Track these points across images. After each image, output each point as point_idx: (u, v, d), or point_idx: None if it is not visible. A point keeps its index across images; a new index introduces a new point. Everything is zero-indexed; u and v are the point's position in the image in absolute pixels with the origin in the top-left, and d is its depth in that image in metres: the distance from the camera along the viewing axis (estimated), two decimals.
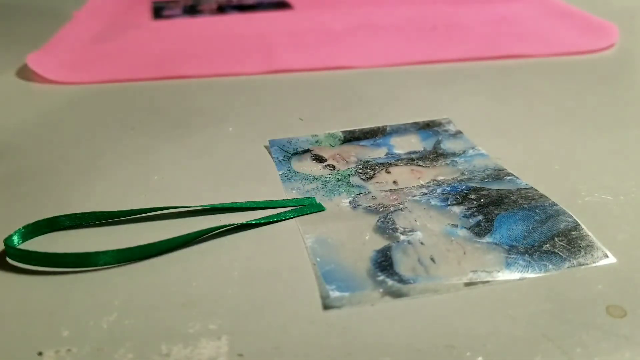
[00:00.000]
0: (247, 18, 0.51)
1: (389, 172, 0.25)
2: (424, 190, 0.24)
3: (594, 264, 0.19)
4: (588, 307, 0.17)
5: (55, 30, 0.46)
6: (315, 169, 0.26)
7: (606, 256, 0.19)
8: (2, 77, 0.38)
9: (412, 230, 0.21)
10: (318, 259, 0.20)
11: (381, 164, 0.26)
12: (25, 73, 0.38)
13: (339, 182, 0.24)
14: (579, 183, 0.24)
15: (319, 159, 0.26)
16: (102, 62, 0.40)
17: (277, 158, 0.26)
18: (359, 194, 0.23)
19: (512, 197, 0.23)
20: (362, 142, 0.28)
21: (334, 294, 0.18)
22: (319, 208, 0.23)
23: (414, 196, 0.23)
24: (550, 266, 0.19)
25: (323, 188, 0.24)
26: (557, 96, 0.33)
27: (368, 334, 0.17)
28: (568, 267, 0.19)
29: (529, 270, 0.19)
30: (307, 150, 0.27)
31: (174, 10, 0.54)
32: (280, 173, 0.25)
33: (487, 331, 0.16)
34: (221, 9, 0.54)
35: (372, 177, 0.25)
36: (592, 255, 0.19)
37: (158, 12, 0.53)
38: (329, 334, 0.17)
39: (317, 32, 0.46)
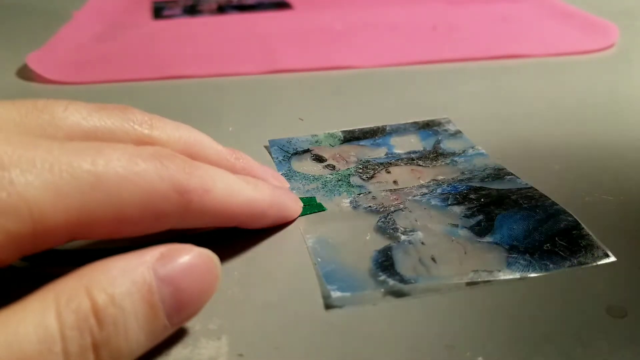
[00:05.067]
0: (247, 18, 0.51)
1: (389, 172, 0.25)
2: (424, 190, 0.24)
3: (594, 263, 0.19)
4: (588, 307, 0.17)
5: (55, 30, 0.46)
6: (315, 169, 0.26)
7: (607, 255, 0.19)
8: (2, 77, 0.38)
9: (412, 230, 0.21)
10: (319, 259, 0.20)
11: (381, 163, 0.26)
12: (25, 73, 0.38)
13: (339, 182, 0.24)
14: (579, 183, 0.24)
15: (319, 159, 0.26)
16: (102, 62, 0.40)
17: (277, 158, 0.26)
18: (359, 194, 0.23)
19: (513, 197, 0.23)
20: (362, 142, 0.28)
21: (336, 294, 0.18)
22: (320, 208, 0.23)
23: (414, 196, 0.23)
24: (551, 265, 0.19)
25: (323, 188, 0.24)
26: (557, 96, 0.33)
27: (368, 333, 0.17)
28: (569, 266, 0.19)
29: (530, 270, 0.19)
30: (307, 150, 0.27)
31: (174, 10, 0.54)
32: (281, 173, 0.25)
33: (487, 331, 0.16)
34: (221, 9, 0.54)
35: (372, 177, 0.25)
36: (592, 254, 0.19)
37: (158, 12, 0.53)
38: (329, 334, 0.17)
39: (317, 32, 0.46)
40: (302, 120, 0.31)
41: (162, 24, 0.50)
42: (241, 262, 0.20)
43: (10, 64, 0.40)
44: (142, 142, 0.18)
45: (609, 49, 0.40)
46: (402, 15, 0.50)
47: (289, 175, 0.25)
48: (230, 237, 0.20)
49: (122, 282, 0.14)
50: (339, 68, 0.38)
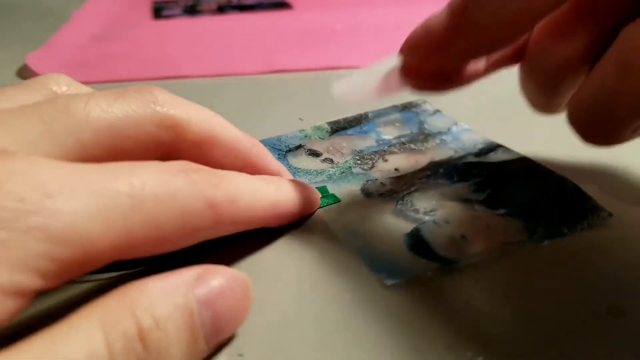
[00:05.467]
0: (247, 18, 0.51)
1: (386, 161, 0.26)
2: (428, 172, 0.24)
3: (601, 224, 0.20)
4: (588, 307, 0.17)
5: (55, 30, 0.46)
6: (314, 164, 0.26)
7: (610, 215, 0.21)
8: (2, 77, 0.38)
9: (432, 210, 0.21)
10: (355, 249, 0.20)
11: (376, 152, 0.26)
12: (25, 73, 0.38)
13: (343, 174, 0.24)
14: (579, 181, 0.24)
15: (315, 154, 0.26)
16: (102, 62, 0.40)
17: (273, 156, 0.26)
18: (367, 181, 0.24)
19: (513, 168, 0.24)
20: (350, 131, 0.28)
21: (388, 281, 0.18)
22: (335, 199, 0.23)
23: (419, 178, 0.24)
24: (565, 230, 0.20)
25: (329, 180, 0.24)
26: None
27: (368, 334, 0.17)
28: (580, 229, 0.20)
29: (549, 236, 0.20)
30: (300, 146, 0.27)
31: (174, 10, 0.54)
32: None
33: (488, 331, 0.16)
34: (221, 9, 0.54)
35: (372, 167, 0.25)
36: (598, 215, 0.21)
37: (158, 12, 0.53)
38: (328, 334, 0.17)
39: (317, 32, 0.46)
40: (302, 120, 0.31)
41: (162, 24, 0.50)
42: (241, 261, 0.20)
43: (10, 64, 0.40)
44: (164, 124, 0.18)
45: None
46: (402, 15, 0.50)
47: (291, 171, 0.25)
48: (229, 236, 0.21)
49: (165, 305, 0.14)
50: (338, 68, 0.38)
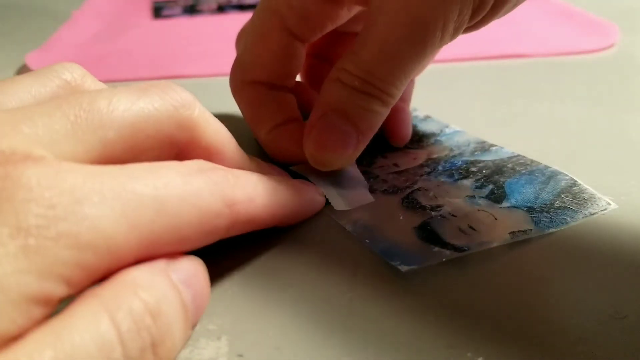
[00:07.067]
0: (247, 17, 0.51)
1: (385, 157, 0.26)
2: (427, 170, 0.25)
3: (601, 212, 0.21)
4: (588, 307, 0.17)
5: (54, 30, 0.46)
6: None
7: (609, 204, 0.21)
8: (2, 77, 0.38)
9: (438, 206, 0.22)
10: (367, 241, 0.20)
11: (373, 149, 0.26)
12: (24, 73, 0.38)
13: None
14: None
15: None
16: (101, 62, 0.40)
17: None
18: (369, 179, 0.24)
19: (509, 165, 0.24)
20: None
21: (403, 268, 0.18)
22: None
23: (420, 175, 0.24)
24: (569, 219, 0.21)
25: None
26: (556, 96, 0.33)
27: (367, 335, 0.17)
28: (583, 217, 0.21)
29: (554, 225, 0.20)
30: None
31: (173, 10, 0.54)
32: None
33: (488, 331, 0.16)
34: (221, 9, 0.54)
35: (373, 163, 0.25)
36: (597, 205, 0.21)
37: (158, 12, 0.53)
38: (327, 334, 0.17)
39: None
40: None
41: (162, 23, 0.50)
42: (240, 261, 0.20)
43: (10, 64, 0.40)
44: (183, 125, 0.18)
45: (609, 49, 0.40)
46: None
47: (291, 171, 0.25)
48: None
49: (158, 285, 0.14)
50: None
